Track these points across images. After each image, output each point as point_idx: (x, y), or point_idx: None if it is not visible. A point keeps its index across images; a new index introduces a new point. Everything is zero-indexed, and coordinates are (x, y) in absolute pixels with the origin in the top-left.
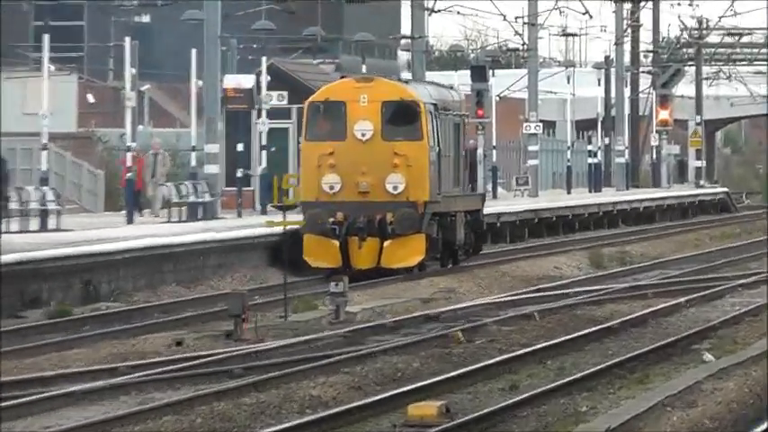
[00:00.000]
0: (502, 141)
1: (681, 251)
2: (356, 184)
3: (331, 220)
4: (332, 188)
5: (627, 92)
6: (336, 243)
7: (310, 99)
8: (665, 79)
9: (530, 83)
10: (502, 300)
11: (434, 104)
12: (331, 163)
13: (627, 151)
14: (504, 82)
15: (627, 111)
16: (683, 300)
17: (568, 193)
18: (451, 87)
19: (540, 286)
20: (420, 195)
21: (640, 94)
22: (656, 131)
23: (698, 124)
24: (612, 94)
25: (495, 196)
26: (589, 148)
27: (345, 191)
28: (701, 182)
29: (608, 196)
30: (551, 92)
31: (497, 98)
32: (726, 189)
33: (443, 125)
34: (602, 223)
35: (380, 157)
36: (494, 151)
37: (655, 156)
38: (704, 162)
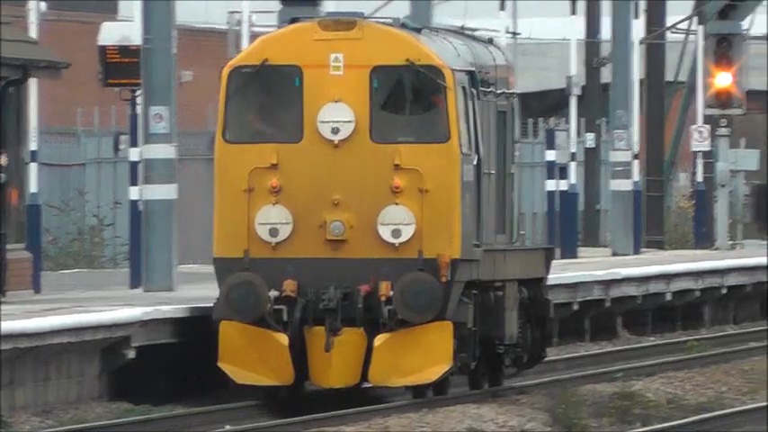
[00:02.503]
0: None
1: (756, 394)
2: (322, 225)
3: (273, 294)
4: (275, 233)
5: (637, 29)
6: (284, 338)
7: (231, 63)
8: (724, 2)
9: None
10: None
11: (470, 74)
12: (273, 185)
13: (638, 164)
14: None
15: (637, 73)
16: None
17: None
18: (490, 41)
19: None
20: (444, 248)
21: (669, 35)
22: (705, 119)
23: None
24: (605, 34)
25: None
26: (549, 157)
27: (301, 239)
28: None
29: (593, 267)
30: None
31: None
32: None
33: (484, 115)
34: (579, 327)
35: (369, 175)
36: None
37: (701, 174)
38: None
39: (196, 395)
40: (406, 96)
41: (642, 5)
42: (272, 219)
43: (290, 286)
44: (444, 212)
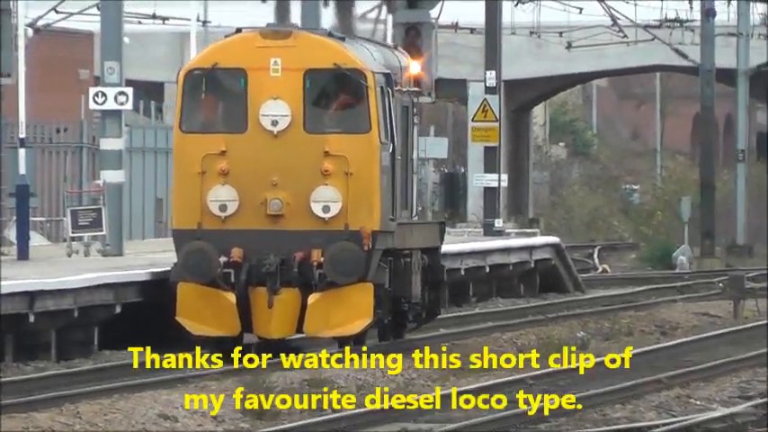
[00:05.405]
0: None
1: (447, 381)
2: (263, 202)
3: (223, 259)
4: (224, 208)
5: (327, 18)
6: (231, 297)
7: (187, 66)
8: None
9: None
10: None
11: (386, 75)
12: (222, 168)
13: None
14: None
15: None
16: None
17: None
18: (396, 47)
19: None
20: (366, 221)
21: (358, 24)
22: None
23: (490, 90)
24: (295, 21)
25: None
26: None
27: (245, 213)
28: (499, 222)
29: None
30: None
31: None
32: (555, 240)
33: (394, 110)
34: None
35: (303, 160)
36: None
37: None
38: (505, 177)
39: None
40: (334, 94)
41: None
42: (222, 197)
43: (236, 253)
44: (366, 192)
